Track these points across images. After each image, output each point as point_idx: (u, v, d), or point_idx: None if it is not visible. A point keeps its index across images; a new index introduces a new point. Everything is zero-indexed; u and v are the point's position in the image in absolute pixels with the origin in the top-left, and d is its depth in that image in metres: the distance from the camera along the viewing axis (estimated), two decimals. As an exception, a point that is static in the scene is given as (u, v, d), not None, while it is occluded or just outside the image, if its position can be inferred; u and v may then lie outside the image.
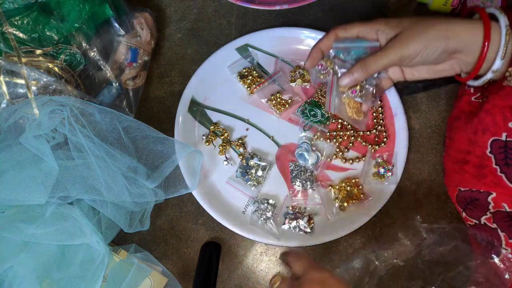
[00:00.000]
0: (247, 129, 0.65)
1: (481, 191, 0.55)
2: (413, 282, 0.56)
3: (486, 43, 0.47)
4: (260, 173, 0.62)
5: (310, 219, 0.59)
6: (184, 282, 0.60)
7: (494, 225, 0.55)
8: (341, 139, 0.64)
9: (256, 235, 0.59)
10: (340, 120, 0.64)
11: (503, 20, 0.47)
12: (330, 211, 0.60)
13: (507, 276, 0.53)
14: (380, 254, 0.57)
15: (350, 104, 0.57)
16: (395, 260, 0.56)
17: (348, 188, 0.61)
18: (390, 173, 0.61)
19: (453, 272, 0.55)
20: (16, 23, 0.56)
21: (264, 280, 0.61)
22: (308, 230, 0.59)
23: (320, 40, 0.56)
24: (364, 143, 0.63)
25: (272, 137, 0.65)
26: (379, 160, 0.62)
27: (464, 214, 0.58)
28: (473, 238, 0.56)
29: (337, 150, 0.63)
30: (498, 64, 0.47)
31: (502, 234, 0.54)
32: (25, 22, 0.56)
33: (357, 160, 0.63)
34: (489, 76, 0.48)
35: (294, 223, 0.59)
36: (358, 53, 0.53)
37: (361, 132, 0.64)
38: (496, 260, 0.54)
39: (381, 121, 0.64)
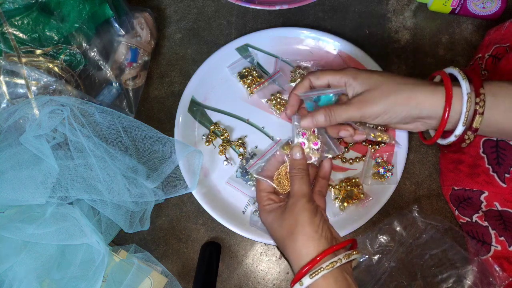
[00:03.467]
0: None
1: (474, 190, 0.56)
2: (405, 283, 0.56)
3: (447, 112, 0.47)
4: None
5: (310, 219, 0.59)
6: (184, 282, 0.60)
7: (485, 223, 0.55)
8: (341, 139, 0.64)
9: (256, 235, 0.59)
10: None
11: (465, 87, 0.46)
12: (330, 211, 0.60)
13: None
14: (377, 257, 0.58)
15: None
16: (390, 262, 0.57)
17: (348, 188, 0.61)
18: (390, 173, 0.61)
19: (444, 275, 0.55)
20: (16, 23, 0.56)
21: (264, 280, 0.61)
22: (308, 230, 0.59)
23: (296, 87, 0.56)
24: (364, 143, 0.63)
25: (272, 137, 0.65)
26: (379, 160, 0.62)
27: (456, 212, 0.58)
28: (467, 236, 0.57)
29: (337, 150, 0.63)
30: (460, 129, 0.47)
31: (492, 232, 0.55)
32: (25, 22, 0.56)
33: (357, 160, 0.63)
34: (452, 139, 0.49)
35: (294, 223, 0.59)
36: (326, 101, 0.54)
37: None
38: (488, 257, 0.55)
39: (381, 121, 0.64)
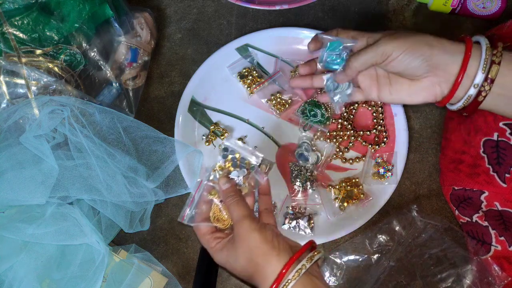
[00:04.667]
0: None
1: (474, 189, 0.56)
2: (404, 282, 0.56)
3: (468, 53, 0.48)
4: None
5: (310, 219, 0.59)
6: (184, 282, 0.60)
7: (486, 223, 0.55)
8: (341, 139, 0.64)
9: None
10: (340, 120, 0.64)
11: (483, 41, 0.49)
12: (330, 211, 0.60)
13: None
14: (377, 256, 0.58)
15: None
16: (389, 262, 0.57)
17: (348, 188, 0.61)
18: (390, 173, 0.61)
19: (444, 274, 0.55)
20: (16, 23, 0.56)
21: (264, 280, 0.61)
22: (308, 230, 0.59)
23: (323, 33, 0.57)
24: (364, 143, 0.63)
25: (272, 137, 0.65)
26: (379, 160, 0.62)
27: (457, 212, 0.58)
28: (467, 236, 0.57)
29: (337, 150, 0.63)
30: (479, 77, 0.48)
31: (492, 232, 0.55)
32: (25, 22, 0.56)
33: (357, 160, 0.63)
34: (471, 91, 0.49)
35: (294, 223, 0.59)
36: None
37: (361, 132, 0.64)
38: (488, 257, 0.55)
39: (381, 121, 0.64)
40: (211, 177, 0.53)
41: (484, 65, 0.47)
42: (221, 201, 0.52)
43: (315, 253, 0.46)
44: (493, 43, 0.49)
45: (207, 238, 0.51)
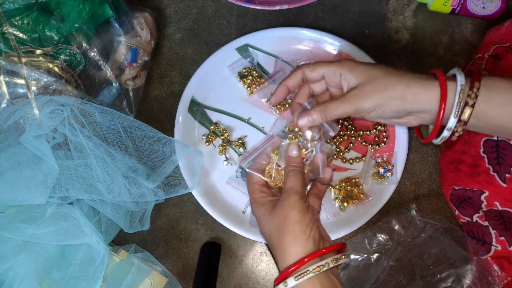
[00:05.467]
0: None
1: (474, 189, 0.56)
2: (403, 282, 0.56)
3: (443, 106, 0.47)
4: None
5: (310, 219, 0.59)
6: (184, 282, 0.60)
7: (486, 223, 0.55)
8: (341, 139, 0.64)
9: (256, 235, 0.59)
10: (340, 121, 0.64)
11: (459, 78, 0.46)
12: (330, 211, 0.60)
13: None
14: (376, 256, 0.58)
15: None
16: (388, 261, 0.57)
17: (348, 188, 0.61)
18: (390, 173, 0.61)
19: (443, 274, 0.55)
20: (16, 23, 0.56)
21: (264, 280, 0.61)
22: (308, 230, 0.59)
23: (287, 77, 0.56)
24: (364, 143, 0.63)
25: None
26: (379, 160, 0.62)
27: (457, 212, 0.58)
28: (467, 236, 0.57)
29: (337, 150, 0.63)
30: (452, 122, 0.47)
31: (493, 232, 0.55)
32: (25, 22, 0.56)
33: (357, 160, 0.63)
34: (445, 134, 0.48)
35: (294, 223, 0.59)
36: None
37: (361, 132, 0.64)
38: (488, 257, 0.55)
39: (381, 121, 0.64)
40: (284, 139, 0.55)
41: (457, 111, 0.46)
42: (278, 165, 0.54)
43: (343, 256, 0.47)
44: (473, 74, 0.47)
45: (255, 187, 0.53)
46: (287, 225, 0.47)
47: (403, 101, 0.48)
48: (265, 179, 0.54)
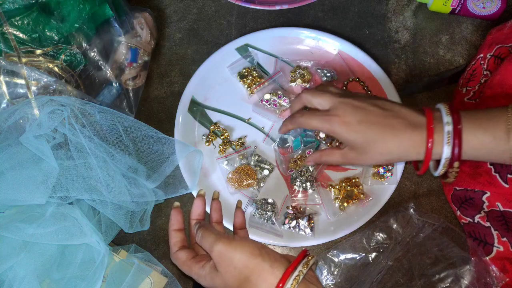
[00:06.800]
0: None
1: (476, 190, 0.56)
2: (402, 281, 0.56)
3: (430, 144, 0.48)
4: (266, 172, 0.62)
5: (310, 219, 0.59)
6: (184, 282, 0.60)
7: (488, 224, 0.55)
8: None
9: (256, 235, 0.59)
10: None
11: (445, 132, 0.48)
12: (330, 211, 0.60)
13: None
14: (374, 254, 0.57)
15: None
16: (387, 261, 0.57)
17: (348, 188, 0.61)
18: (390, 173, 0.61)
19: (442, 274, 0.55)
20: (16, 23, 0.56)
21: (264, 280, 0.61)
22: (308, 230, 0.59)
23: (293, 106, 0.58)
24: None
25: (272, 137, 0.65)
26: (379, 160, 0.62)
27: (458, 213, 0.58)
28: (469, 237, 0.57)
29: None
30: (446, 152, 0.48)
31: (495, 233, 0.54)
32: (25, 22, 0.56)
33: (357, 160, 0.63)
34: (441, 166, 0.50)
35: (294, 223, 0.59)
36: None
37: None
38: (488, 258, 0.55)
39: (381, 121, 0.64)
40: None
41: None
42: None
43: (309, 258, 0.45)
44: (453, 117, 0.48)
45: (188, 264, 0.48)
46: (242, 270, 0.43)
47: (395, 155, 0.51)
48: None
